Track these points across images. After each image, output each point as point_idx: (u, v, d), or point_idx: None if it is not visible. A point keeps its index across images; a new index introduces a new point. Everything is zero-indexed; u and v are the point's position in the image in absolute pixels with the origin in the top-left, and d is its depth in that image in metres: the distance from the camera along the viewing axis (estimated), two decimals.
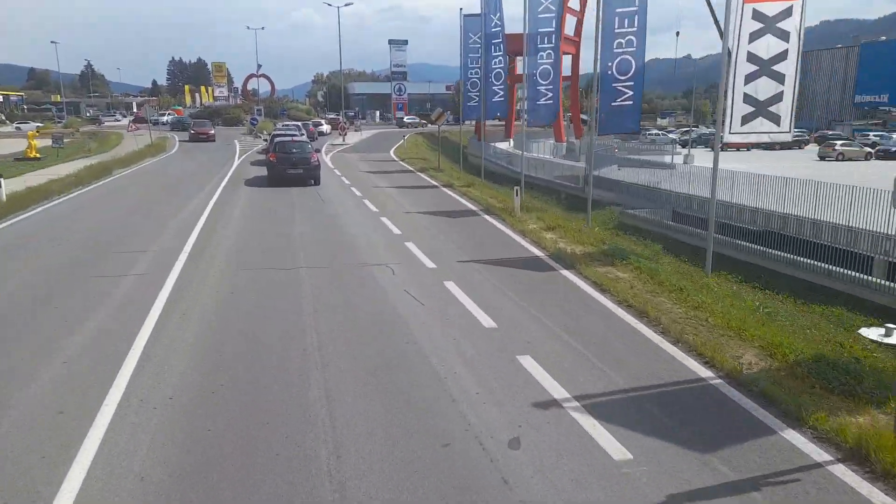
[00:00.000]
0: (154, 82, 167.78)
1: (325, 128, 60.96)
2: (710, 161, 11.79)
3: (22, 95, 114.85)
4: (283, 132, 33.09)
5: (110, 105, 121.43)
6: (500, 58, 26.63)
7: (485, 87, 27.15)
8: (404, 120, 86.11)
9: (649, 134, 69.75)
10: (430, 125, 49.07)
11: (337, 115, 79.12)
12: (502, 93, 26.99)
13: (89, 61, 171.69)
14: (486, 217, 16.48)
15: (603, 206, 21.00)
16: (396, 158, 36.18)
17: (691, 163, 37.16)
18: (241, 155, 36.08)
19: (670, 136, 70.18)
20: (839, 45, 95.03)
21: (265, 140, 35.55)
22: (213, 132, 49.08)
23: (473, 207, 18.14)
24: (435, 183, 24.49)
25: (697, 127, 78.80)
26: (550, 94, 20.09)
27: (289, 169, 23.29)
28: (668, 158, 34.95)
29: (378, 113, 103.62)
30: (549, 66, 19.91)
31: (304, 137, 28.53)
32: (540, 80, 20.04)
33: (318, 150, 27.13)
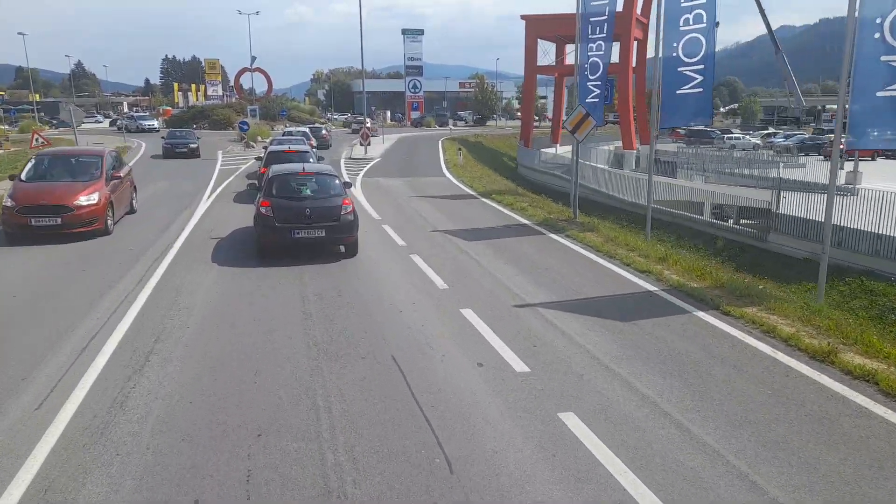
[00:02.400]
0: (147, 81, 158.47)
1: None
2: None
3: (2, 95, 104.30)
4: (281, 146, 20.35)
5: (99, 105, 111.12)
6: (700, 10, 13.96)
7: (665, 65, 14.26)
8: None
9: (728, 138, 56.84)
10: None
11: (350, 115, 66.42)
12: (699, 79, 14.08)
13: (79, 59, 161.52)
14: None
15: (840, 277, 12.85)
16: (470, 190, 22.45)
17: (859, 183, 26.58)
18: (221, 182, 23.10)
19: (751, 139, 57.47)
20: None
21: (258, 158, 22.25)
22: (120, 177, 14.71)
23: None
24: (634, 278, 10.51)
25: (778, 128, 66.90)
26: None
27: (297, 230, 11.20)
28: (776, 172, 24.76)
29: (389, 113, 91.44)
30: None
31: (327, 166, 15.28)
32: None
33: (349, 185, 14.26)
